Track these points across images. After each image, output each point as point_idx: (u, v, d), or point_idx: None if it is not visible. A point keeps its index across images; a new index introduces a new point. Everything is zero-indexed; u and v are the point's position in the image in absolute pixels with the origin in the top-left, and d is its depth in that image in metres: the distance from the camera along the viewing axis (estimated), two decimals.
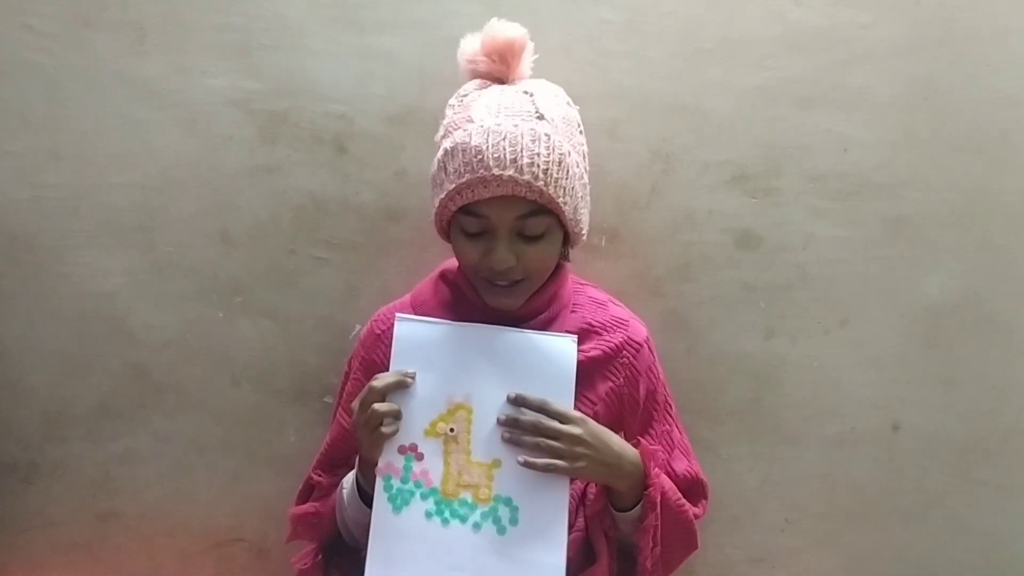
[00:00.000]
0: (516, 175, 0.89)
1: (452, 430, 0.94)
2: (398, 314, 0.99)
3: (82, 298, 1.24)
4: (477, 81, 0.99)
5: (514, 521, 0.92)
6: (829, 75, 1.17)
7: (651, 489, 0.96)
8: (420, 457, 0.94)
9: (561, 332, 1.00)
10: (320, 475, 1.09)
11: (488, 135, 0.91)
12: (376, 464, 0.94)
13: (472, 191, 0.91)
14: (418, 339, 0.96)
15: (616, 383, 1.03)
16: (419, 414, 0.94)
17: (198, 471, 1.28)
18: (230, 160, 1.20)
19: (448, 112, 0.99)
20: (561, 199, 0.92)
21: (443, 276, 1.07)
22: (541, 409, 0.94)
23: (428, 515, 0.93)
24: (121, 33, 1.18)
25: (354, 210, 1.21)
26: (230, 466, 1.28)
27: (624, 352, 1.04)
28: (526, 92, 0.96)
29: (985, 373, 1.23)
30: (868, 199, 1.19)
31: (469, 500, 0.93)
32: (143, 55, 1.18)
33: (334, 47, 1.17)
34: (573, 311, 1.05)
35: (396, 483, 0.93)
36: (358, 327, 1.22)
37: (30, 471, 1.28)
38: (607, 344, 1.03)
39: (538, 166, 0.90)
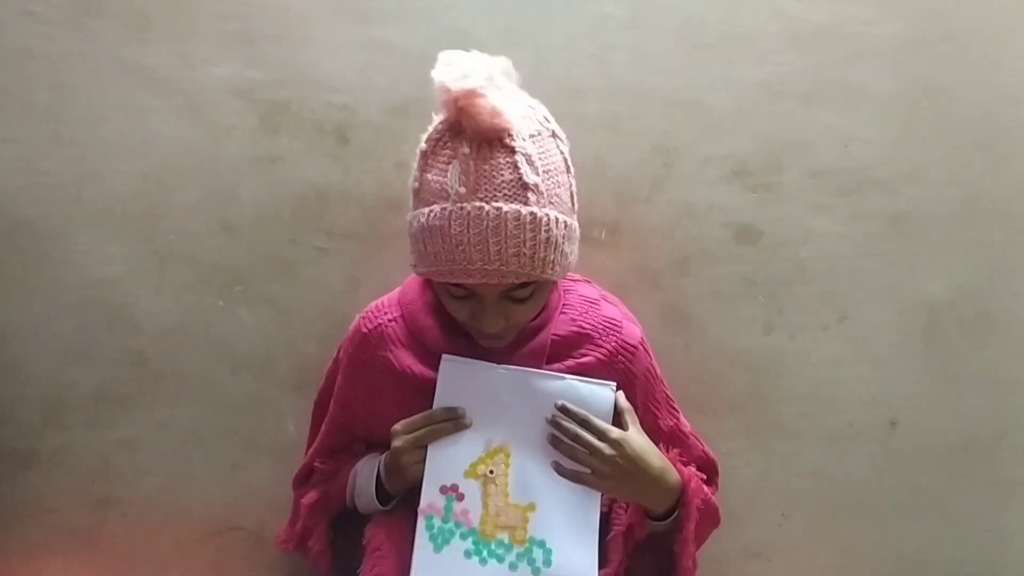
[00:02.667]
0: (502, 267, 0.86)
1: (491, 472, 0.96)
2: (445, 355, 0.98)
3: (83, 285, 1.24)
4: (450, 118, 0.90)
5: (548, 563, 0.95)
6: (830, 71, 1.17)
7: (689, 507, 0.99)
8: (461, 497, 0.96)
9: (550, 339, 1.00)
10: (323, 463, 1.11)
11: (468, 224, 0.85)
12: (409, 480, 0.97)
13: (455, 277, 0.89)
14: (462, 381, 0.98)
15: None
16: (460, 455, 0.97)
17: (197, 459, 1.28)
18: (232, 149, 1.20)
19: (419, 153, 0.92)
20: (549, 273, 0.90)
21: (429, 280, 1.04)
22: (584, 423, 0.96)
23: (467, 554, 0.95)
24: (124, 21, 1.18)
25: (355, 201, 1.21)
26: (229, 455, 1.28)
27: (619, 358, 1.02)
28: (505, 145, 0.87)
29: (983, 370, 1.23)
30: (868, 195, 1.19)
31: (506, 541, 0.95)
32: (146, 43, 1.18)
33: (337, 37, 1.17)
34: (563, 313, 1.03)
35: (438, 522, 0.95)
36: (358, 317, 1.22)
37: (29, 457, 1.29)
38: (600, 350, 1.02)
39: (524, 255, 0.86)
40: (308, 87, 1.19)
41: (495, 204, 0.85)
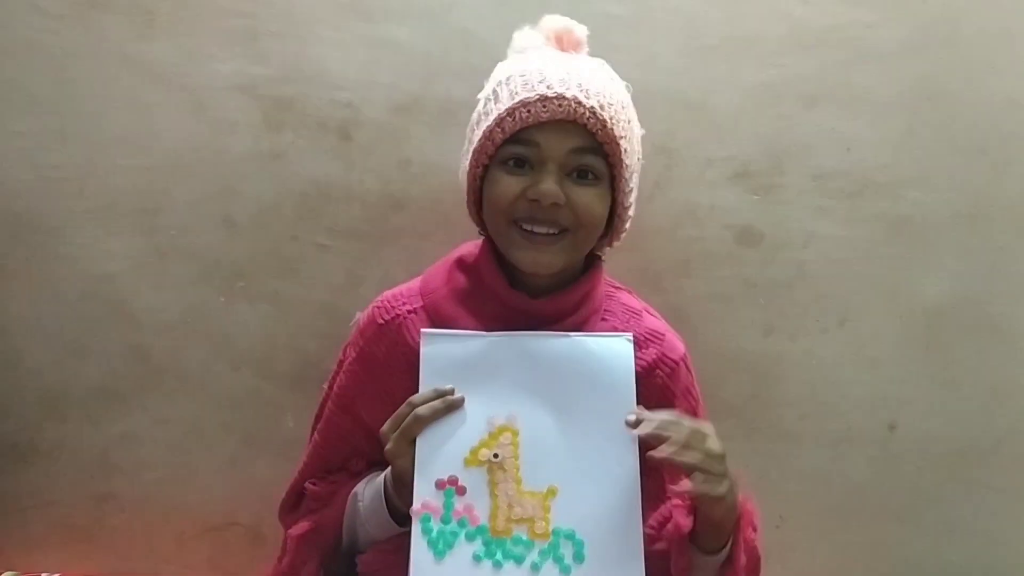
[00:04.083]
0: (581, 97, 0.83)
1: (496, 456, 0.82)
2: (424, 331, 0.87)
3: (84, 280, 1.24)
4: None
5: (579, 558, 0.80)
6: (834, 74, 1.17)
7: (745, 530, 0.87)
8: (462, 491, 0.82)
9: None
10: (314, 484, 0.98)
11: (550, 62, 0.87)
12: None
13: (529, 111, 0.83)
14: (449, 356, 0.85)
15: (647, 405, 0.88)
16: (457, 441, 0.83)
17: (196, 455, 1.28)
18: (235, 145, 1.21)
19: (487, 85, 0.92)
20: (623, 141, 0.86)
21: (460, 262, 0.96)
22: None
23: (477, 558, 0.80)
24: (129, 16, 1.18)
25: (357, 198, 1.21)
26: (228, 450, 1.28)
27: (658, 371, 0.93)
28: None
29: (982, 375, 1.24)
30: (870, 199, 1.20)
31: (524, 537, 0.80)
32: (151, 39, 1.18)
33: (341, 35, 1.18)
34: (604, 319, 0.95)
35: (436, 524, 0.80)
36: (358, 315, 1.21)
37: (29, 451, 1.28)
38: (639, 361, 0.90)
39: (604, 96, 0.85)
40: (312, 84, 1.19)
41: (577, 60, 0.90)
